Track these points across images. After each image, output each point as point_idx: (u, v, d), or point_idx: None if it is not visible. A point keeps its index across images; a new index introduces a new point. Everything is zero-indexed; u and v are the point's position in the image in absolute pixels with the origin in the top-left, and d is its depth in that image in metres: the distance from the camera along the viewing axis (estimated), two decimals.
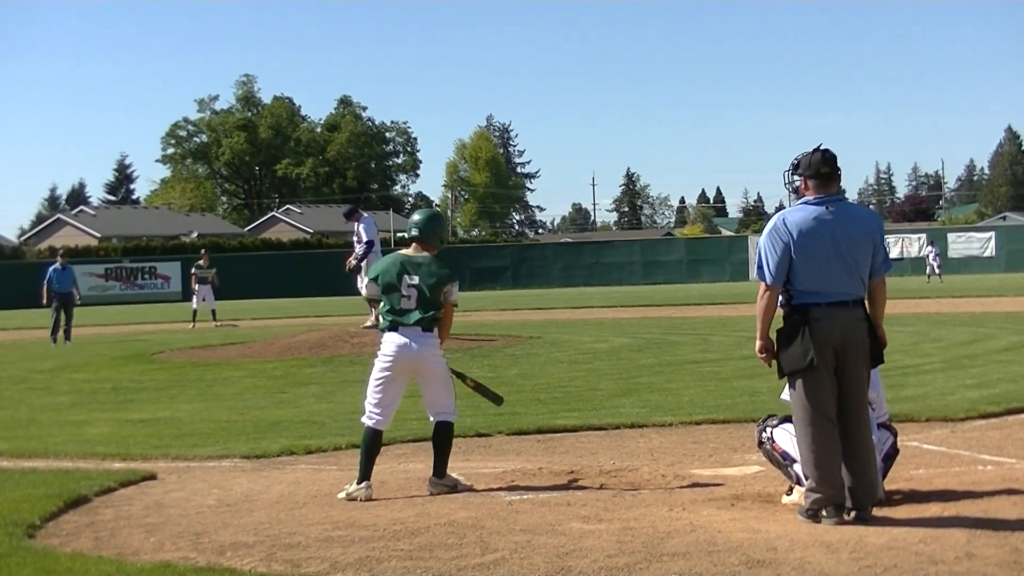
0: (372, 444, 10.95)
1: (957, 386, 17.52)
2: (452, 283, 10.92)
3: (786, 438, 9.76)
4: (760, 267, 9.23)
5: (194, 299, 45.39)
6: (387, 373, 10.88)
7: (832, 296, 9.04)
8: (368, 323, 28.47)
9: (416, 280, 10.87)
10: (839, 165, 9.31)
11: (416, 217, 11.35)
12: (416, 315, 10.83)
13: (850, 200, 9.65)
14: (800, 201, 9.30)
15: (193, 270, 46.28)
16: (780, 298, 9.21)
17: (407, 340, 10.81)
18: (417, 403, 17.44)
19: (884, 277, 9.39)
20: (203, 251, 50.89)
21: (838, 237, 9.05)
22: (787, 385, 9.59)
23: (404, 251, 11.20)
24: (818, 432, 9.02)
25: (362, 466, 10.85)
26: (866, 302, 9.28)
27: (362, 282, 28.20)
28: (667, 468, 11.75)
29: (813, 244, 9.03)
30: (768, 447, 10.00)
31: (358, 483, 10.78)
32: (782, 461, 9.84)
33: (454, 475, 11.04)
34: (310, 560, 8.35)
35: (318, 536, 9.11)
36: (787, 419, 9.82)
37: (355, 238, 28.35)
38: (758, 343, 9.37)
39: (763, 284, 9.22)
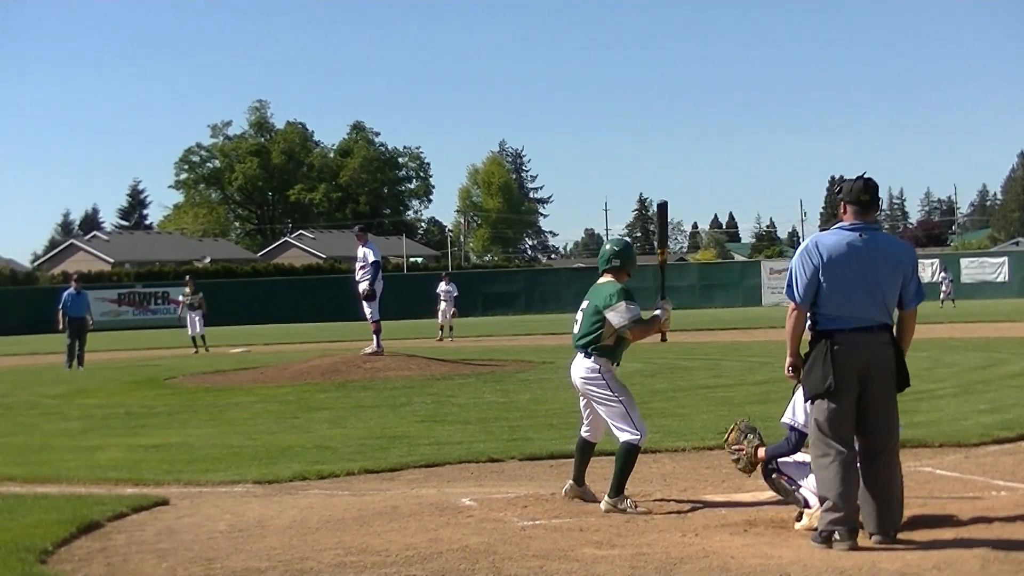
0: (577, 448, 11.58)
1: (970, 411, 17.48)
2: (609, 308, 10.91)
3: (789, 463, 9.85)
4: (789, 286, 9.33)
5: (189, 326, 45.20)
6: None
7: (855, 322, 9.09)
8: (369, 349, 28.44)
9: (585, 304, 11.20)
10: (879, 195, 9.42)
11: (610, 247, 11.42)
12: (574, 339, 11.23)
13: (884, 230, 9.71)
14: (836, 226, 9.37)
15: (181, 298, 46.00)
16: (808, 320, 9.28)
17: (573, 362, 11.24)
18: (432, 428, 17.57)
19: (915, 309, 9.45)
20: (187, 277, 51.06)
21: (866, 265, 9.12)
22: (789, 407, 9.86)
23: (600, 280, 11.36)
24: (835, 455, 9.05)
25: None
26: (894, 329, 9.32)
27: (370, 309, 28.17)
28: (680, 493, 11.75)
29: (841, 269, 9.11)
30: (775, 478, 10.09)
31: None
32: (788, 487, 9.95)
33: (628, 500, 10.91)
34: None
35: (331, 561, 9.09)
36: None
37: (359, 263, 28.22)
38: (788, 360, 9.50)
39: (792, 303, 9.31)
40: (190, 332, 44.95)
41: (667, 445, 14.93)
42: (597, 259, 11.52)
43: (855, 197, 9.30)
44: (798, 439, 9.86)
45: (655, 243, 11.47)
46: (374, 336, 28.41)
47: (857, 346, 9.07)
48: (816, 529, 9.15)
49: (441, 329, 48.26)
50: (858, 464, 9.35)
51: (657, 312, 11.08)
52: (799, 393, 9.70)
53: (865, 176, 9.38)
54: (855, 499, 9.05)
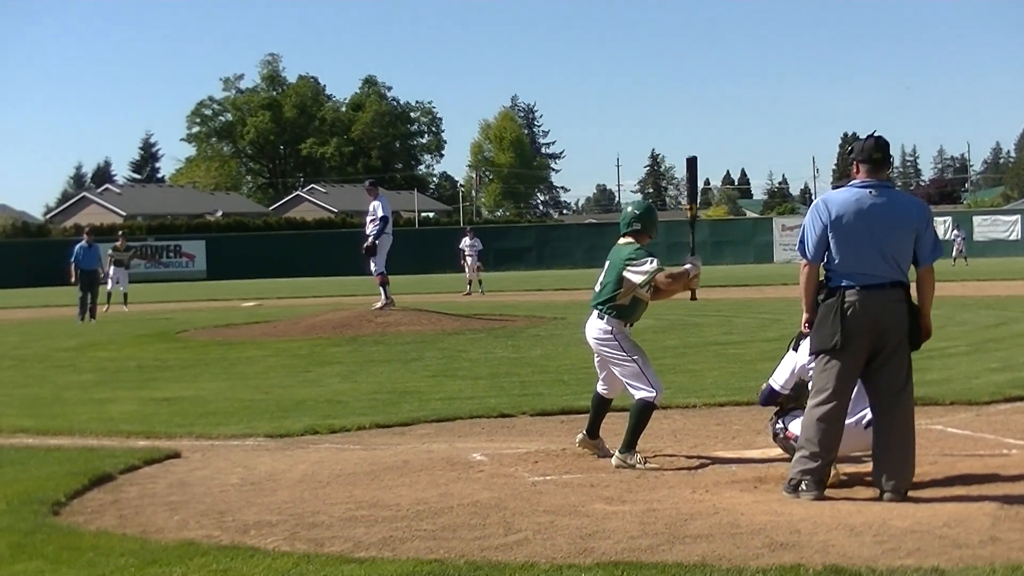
0: (593, 403, 11.60)
1: (982, 369, 17.47)
2: (630, 266, 10.85)
3: (798, 426, 9.87)
4: (801, 243, 9.45)
5: (109, 282, 42.98)
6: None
7: (866, 279, 9.15)
8: (378, 304, 28.36)
9: (607, 265, 11.16)
10: (891, 153, 9.43)
11: (631, 210, 11.36)
12: (592, 300, 11.21)
13: (897, 187, 9.74)
14: (849, 183, 9.41)
15: (110, 251, 44.40)
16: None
17: (587, 321, 11.25)
18: (443, 383, 17.57)
19: (931, 265, 9.46)
20: (120, 233, 50.65)
21: (875, 222, 9.16)
22: (779, 368, 10.21)
23: (620, 240, 11.29)
24: (828, 409, 9.23)
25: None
26: (912, 287, 9.38)
27: (373, 263, 28.05)
28: (690, 450, 11.77)
29: (849, 226, 9.18)
30: (782, 437, 10.15)
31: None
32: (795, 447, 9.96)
33: (637, 456, 10.94)
34: (333, 539, 8.36)
35: (341, 515, 9.12)
36: (798, 411, 9.94)
37: (369, 216, 28.00)
38: (804, 315, 9.56)
39: (804, 260, 9.39)
40: (108, 287, 42.68)
41: (678, 401, 14.91)
42: (619, 220, 11.42)
43: (867, 156, 9.33)
44: (768, 395, 10.21)
45: (685, 199, 11.36)
46: (381, 289, 28.21)
47: (868, 303, 9.12)
48: (790, 474, 9.38)
49: (469, 283, 48.27)
50: (866, 422, 9.45)
51: (687, 266, 11.03)
52: (789, 353, 10.10)
53: (876, 135, 9.42)
54: (831, 454, 9.29)
